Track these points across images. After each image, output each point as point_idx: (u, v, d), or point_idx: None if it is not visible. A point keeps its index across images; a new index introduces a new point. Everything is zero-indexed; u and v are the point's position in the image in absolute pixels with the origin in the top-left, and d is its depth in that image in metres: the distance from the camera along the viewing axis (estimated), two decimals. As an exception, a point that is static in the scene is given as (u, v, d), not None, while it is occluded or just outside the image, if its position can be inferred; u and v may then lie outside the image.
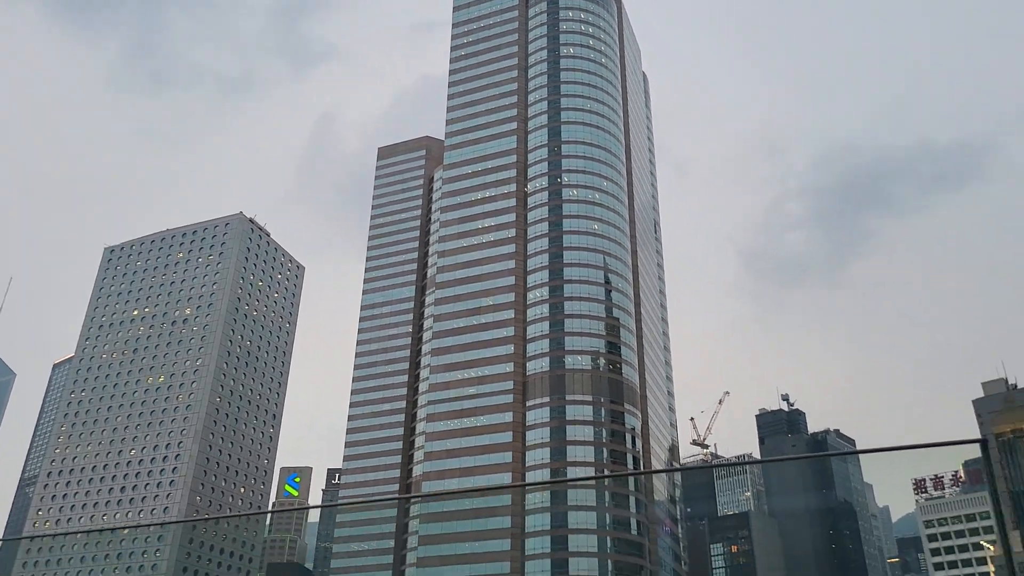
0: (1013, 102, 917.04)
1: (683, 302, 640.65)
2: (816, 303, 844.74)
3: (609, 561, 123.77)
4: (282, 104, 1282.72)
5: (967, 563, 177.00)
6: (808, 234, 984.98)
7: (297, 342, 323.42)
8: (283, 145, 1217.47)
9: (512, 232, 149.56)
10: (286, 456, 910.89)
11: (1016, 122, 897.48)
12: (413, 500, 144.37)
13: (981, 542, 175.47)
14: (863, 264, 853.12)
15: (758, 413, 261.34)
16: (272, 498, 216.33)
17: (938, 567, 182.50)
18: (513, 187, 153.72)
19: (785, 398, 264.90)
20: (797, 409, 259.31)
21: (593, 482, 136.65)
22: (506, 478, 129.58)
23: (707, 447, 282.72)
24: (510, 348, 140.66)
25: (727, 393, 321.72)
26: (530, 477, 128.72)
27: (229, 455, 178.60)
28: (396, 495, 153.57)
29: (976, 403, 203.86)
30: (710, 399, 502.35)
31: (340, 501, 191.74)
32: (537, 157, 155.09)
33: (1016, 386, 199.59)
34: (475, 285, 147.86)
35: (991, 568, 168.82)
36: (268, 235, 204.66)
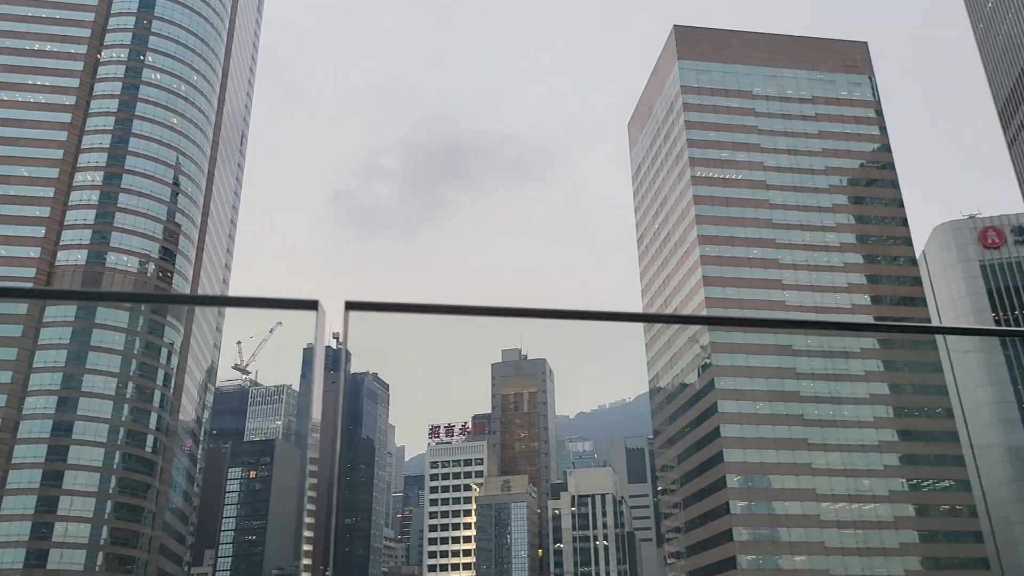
0: (583, 119, 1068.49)
1: (260, 224, 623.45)
2: (388, 254, 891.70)
3: (114, 477, 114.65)
4: None
5: (456, 501, 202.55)
6: (395, 188, 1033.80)
7: None
8: None
9: (71, 100, 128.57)
10: None
11: (579, 137, 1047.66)
12: None
13: (471, 484, 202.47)
14: (435, 229, 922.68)
15: (305, 347, 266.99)
16: None
17: (432, 503, 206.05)
18: (84, 48, 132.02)
19: (336, 336, 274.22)
20: (345, 350, 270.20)
21: (113, 393, 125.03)
22: None
23: (248, 373, 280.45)
24: (41, 231, 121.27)
25: (279, 323, 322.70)
26: (35, 383, 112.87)
27: None
28: None
29: (493, 366, 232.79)
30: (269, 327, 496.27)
31: None
32: (121, 24, 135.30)
33: (527, 357, 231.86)
34: (10, 149, 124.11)
35: (474, 506, 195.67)
36: None
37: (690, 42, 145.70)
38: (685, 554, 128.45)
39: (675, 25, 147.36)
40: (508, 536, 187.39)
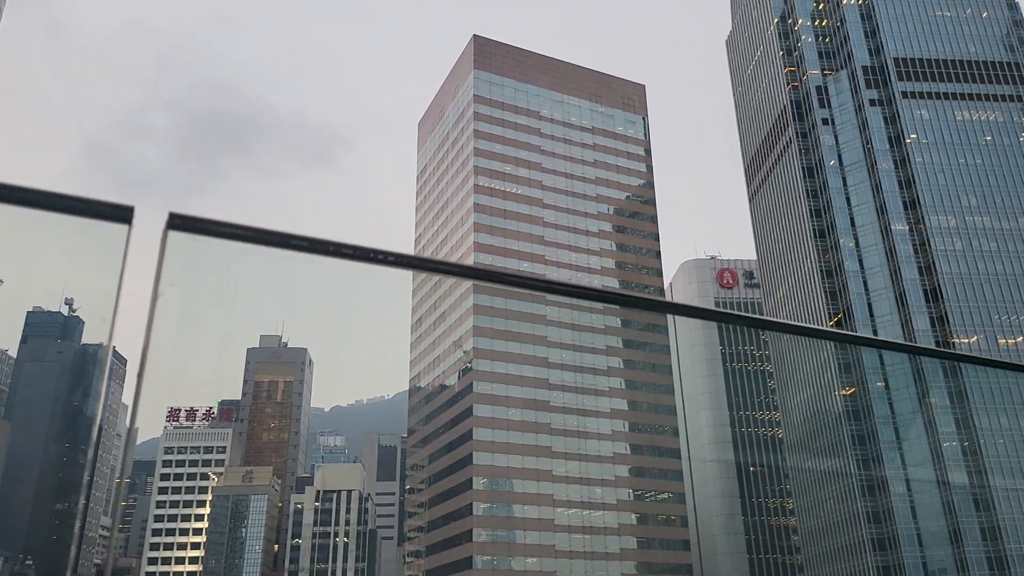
0: (376, 110, 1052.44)
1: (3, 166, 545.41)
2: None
3: None
4: None
5: (191, 490, 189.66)
6: (163, 151, 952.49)
7: None
8: None
9: None
10: None
11: (370, 128, 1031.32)
12: None
13: (209, 472, 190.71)
14: (206, 200, 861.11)
15: (31, 310, 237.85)
16: None
17: (162, 491, 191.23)
18: None
19: (69, 302, 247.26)
20: (77, 316, 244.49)
21: None
22: None
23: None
24: None
25: (1, 282, 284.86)
26: None
27: None
28: None
29: (250, 351, 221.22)
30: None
31: None
32: None
33: (287, 344, 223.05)
34: None
35: (209, 496, 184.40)
36: None
37: (488, 54, 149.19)
38: (424, 553, 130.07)
39: (475, 35, 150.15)
40: (244, 530, 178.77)
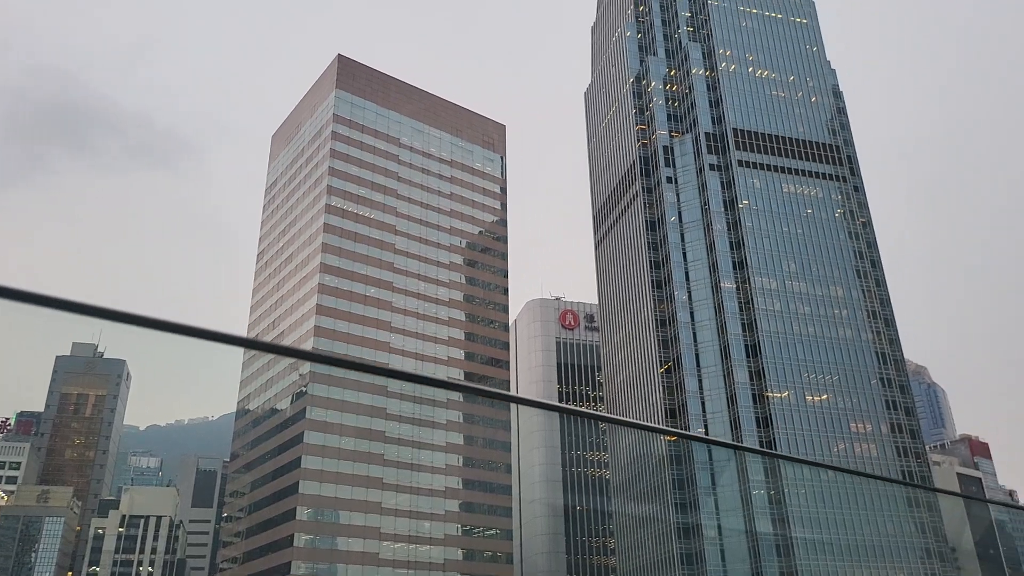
0: (227, 118, 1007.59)
1: None
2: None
3: None
4: None
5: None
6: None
7: None
8: None
9: None
10: None
11: (220, 136, 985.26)
12: None
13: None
14: (31, 193, 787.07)
15: None
16: None
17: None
18: None
19: None
20: None
21: None
22: None
23: None
24: None
25: None
26: None
27: None
28: None
29: (58, 359, 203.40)
30: None
31: None
32: None
33: (103, 355, 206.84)
34: None
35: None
36: None
37: (352, 75, 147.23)
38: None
39: (340, 55, 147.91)
40: (33, 555, 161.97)
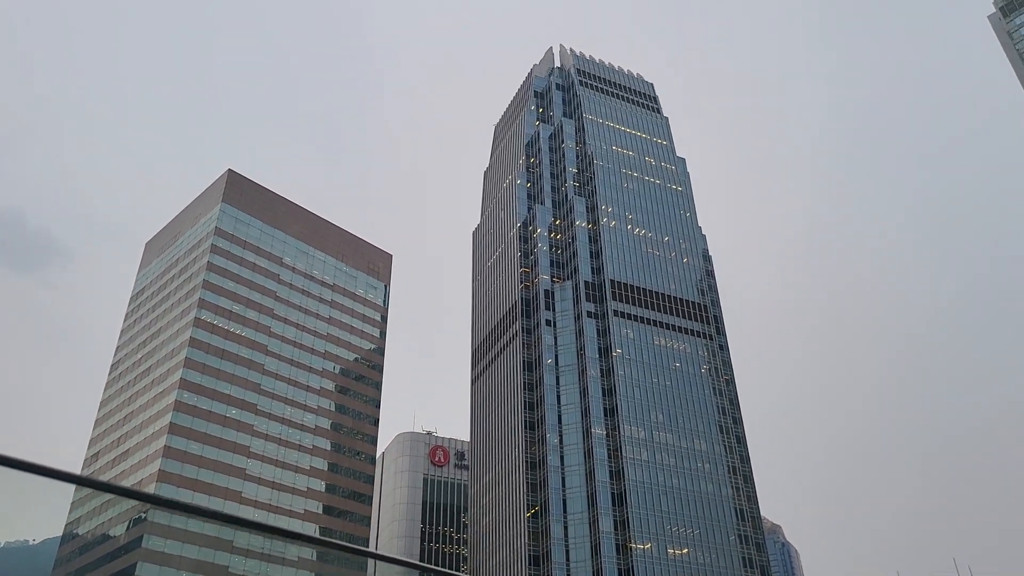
0: (99, 221, 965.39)
1: None
2: None
3: None
4: None
5: None
6: None
7: None
8: None
9: None
10: None
11: (91, 241, 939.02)
12: None
13: None
14: None
15: None
16: None
17: None
18: None
19: None
20: None
21: None
22: None
23: None
24: None
25: None
26: None
27: None
28: None
29: None
30: None
31: None
32: None
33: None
34: None
35: None
36: None
37: (239, 191, 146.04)
38: None
39: (230, 169, 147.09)
40: None
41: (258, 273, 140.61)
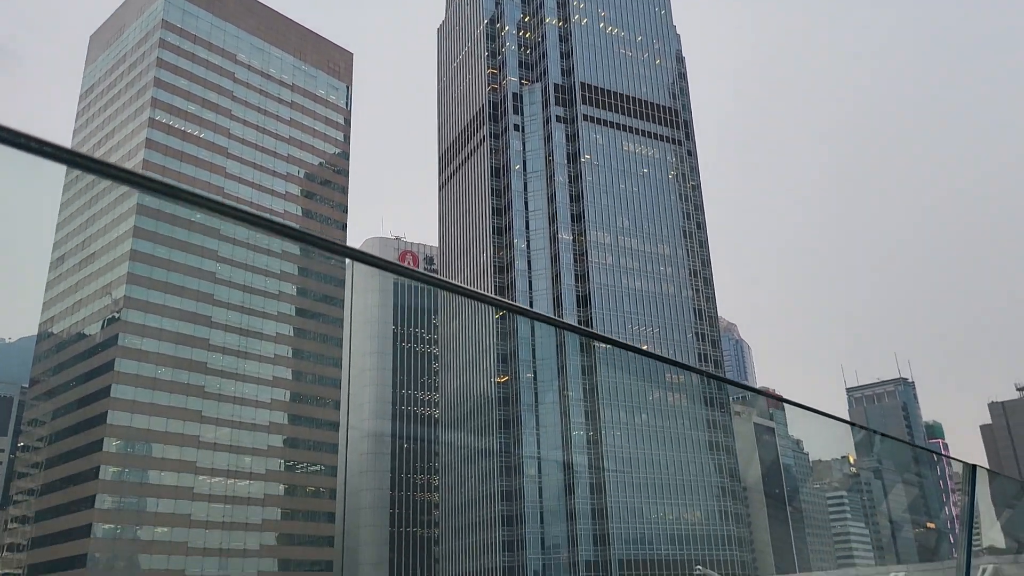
0: (42, 13, 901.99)
1: None
2: None
3: None
4: None
5: None
6: None
7: None
8: None
9: None
10: None
11: (33, 36, 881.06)
12: None
13: None
14: None
15: None
16: None
17: None
18: None
19: None
20: None
21: None
22: None
23: None
24: None
25: None
26: None
27: None
28: None
29: None
30: None
31: None
32: None
33: None
34: None
35: None
36: None
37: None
38: (34, 519, 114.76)
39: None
40: None
41: (212, 71, 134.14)
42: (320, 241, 2.94)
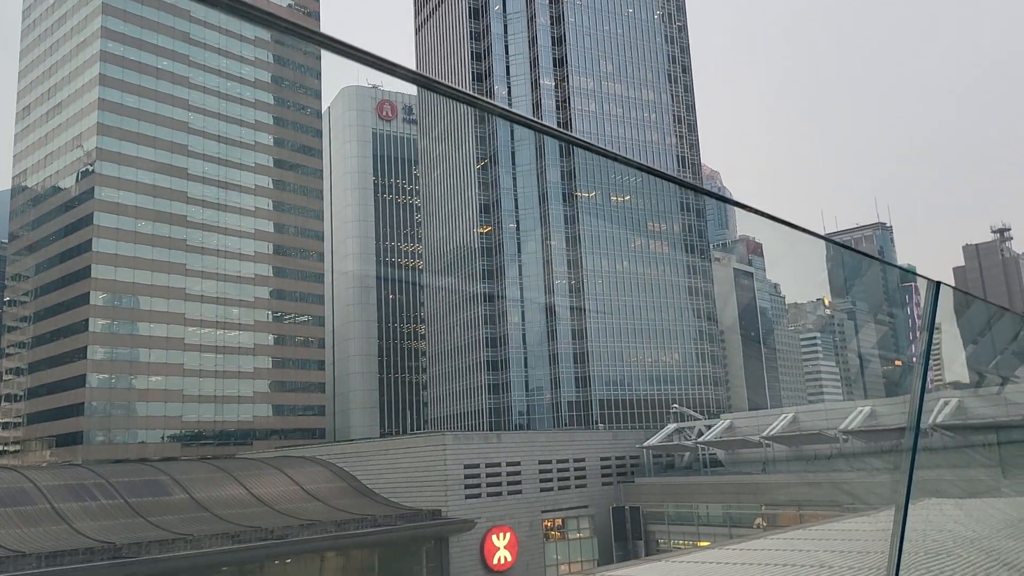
0: None
1: None
2: None
3: None
4: None
5: None
6: None
7: None
8: None
9: None
10: None
11: None
12: None
13: None
14: None
15: None
16: None
17: None
18: None
19: None
20: None
21: None
22: None
23: None
24: None
25: None
26: None
27: None
28: None
29: None
30: None
31: None
32: None
33: None
34: None
35: None
36: None
37: None
38: (28, 371, 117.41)
39: None
40: None
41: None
42: (295, 27, 2.78)
